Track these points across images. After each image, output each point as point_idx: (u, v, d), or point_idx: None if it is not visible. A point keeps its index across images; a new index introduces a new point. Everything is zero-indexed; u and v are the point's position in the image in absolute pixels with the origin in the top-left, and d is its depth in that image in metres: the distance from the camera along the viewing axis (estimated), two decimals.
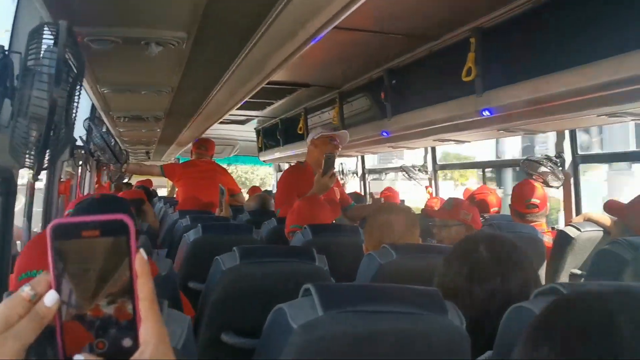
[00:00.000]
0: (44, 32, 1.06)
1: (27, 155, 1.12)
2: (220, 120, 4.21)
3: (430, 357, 1.08)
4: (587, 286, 1.24)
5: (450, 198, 2.63)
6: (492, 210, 3.88)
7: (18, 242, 2.32)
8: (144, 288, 0.51)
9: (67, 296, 0.50)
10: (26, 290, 0.50)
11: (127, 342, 0.51)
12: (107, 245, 0.50)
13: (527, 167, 3.33)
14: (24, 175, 2.37)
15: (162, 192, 10.08)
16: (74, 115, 1.24)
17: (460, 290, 1.24)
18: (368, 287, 1.36)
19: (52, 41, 1.06)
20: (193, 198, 4.21)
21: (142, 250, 0.52)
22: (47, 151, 1.17)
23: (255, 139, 7.04)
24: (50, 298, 0.50)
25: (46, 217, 2.79)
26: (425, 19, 2.44)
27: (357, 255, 1.90)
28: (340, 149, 3.42)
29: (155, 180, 8.18)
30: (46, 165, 1.21)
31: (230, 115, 4.94)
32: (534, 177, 3.24)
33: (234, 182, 4.96)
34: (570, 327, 0.57)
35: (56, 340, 0.50)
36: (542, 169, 3.22)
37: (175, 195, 6.09)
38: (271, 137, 6.26)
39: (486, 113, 2.41)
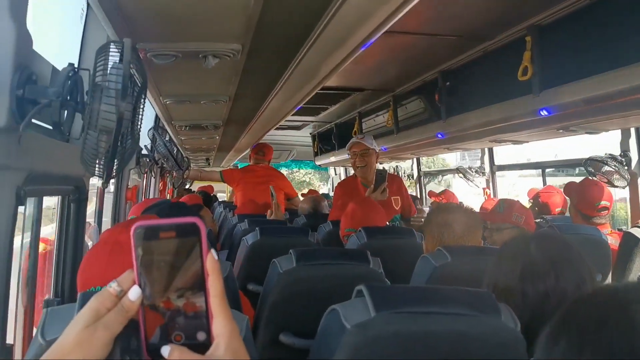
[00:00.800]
0: (110, 49, 1.13)
1: (96, 165, 1.21)
2: (277, 126, 4.29)
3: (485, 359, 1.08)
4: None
5: (501, 200, 2.56)
6: (555, 210, 3.74)
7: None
8: (214, 285, 0.56)
9: (146, 290, 0.56)
10: (113, 286, 0.57)
11: (201, 336, 0.56)
12: (181, 245, 0.56)
13: (590, 167, 3.19)
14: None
15: (222, 197, 10.36)
16: (138, 126, 1.31)
17: (512, 290, 1.21)
18: (420, 288, 1.35)
19: (118, 58, 1.14)
20: (251, 202, 4.31)
21: (212, 251, 0.57)
22: (115, 160, 1.25)
23: (311, 144, 7.12)
24: (134, 293, 0.56)
25: (115, 221, 2.95)
26: (479, 19, 2.41)
27: (413, 257, 1.87)
28: (369, 150, 3.43)
29: (216, 186, 8.42)
30: (115, 173, 1.30)
31: (286, 121, 5.01)
32: (597, 176, 3.11)
33: (290, 186, 5.03)
34: (586, 319, 0.57)
35: (139, 330, 0.56)
36: (606, 168, 3.09)
37: (233, 200, 6.22)
38: (326, 141, 6.31)
39: (544, 112, 2.35)
